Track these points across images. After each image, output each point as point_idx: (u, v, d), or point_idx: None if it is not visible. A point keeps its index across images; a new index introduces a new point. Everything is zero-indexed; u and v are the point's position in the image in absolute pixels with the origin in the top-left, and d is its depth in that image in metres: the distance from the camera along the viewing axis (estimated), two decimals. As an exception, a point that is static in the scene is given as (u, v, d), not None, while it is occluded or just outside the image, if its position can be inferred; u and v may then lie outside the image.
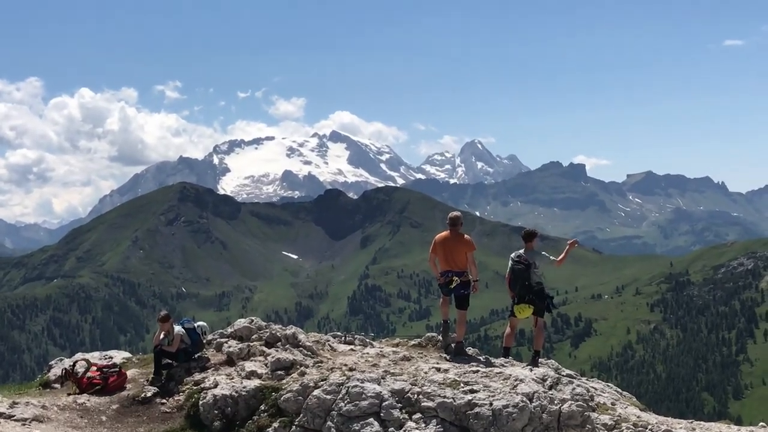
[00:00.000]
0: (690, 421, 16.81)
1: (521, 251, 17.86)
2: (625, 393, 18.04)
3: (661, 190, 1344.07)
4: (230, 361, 17.63)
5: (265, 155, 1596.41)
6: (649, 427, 14.84)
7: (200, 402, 15.75)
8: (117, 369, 17.88)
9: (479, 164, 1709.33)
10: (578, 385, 15.74)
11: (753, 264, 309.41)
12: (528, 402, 14.38)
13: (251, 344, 17.88)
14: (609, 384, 18.36)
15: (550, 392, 15.05)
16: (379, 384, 14.74)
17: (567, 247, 18.95)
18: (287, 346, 17.64)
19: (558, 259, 18.54)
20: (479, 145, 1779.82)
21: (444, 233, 18.05)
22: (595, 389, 16.74)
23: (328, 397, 14.67)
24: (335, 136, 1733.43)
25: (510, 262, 17.83)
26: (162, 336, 18.05)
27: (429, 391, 14.59)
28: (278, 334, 18.22)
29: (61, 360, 19.82)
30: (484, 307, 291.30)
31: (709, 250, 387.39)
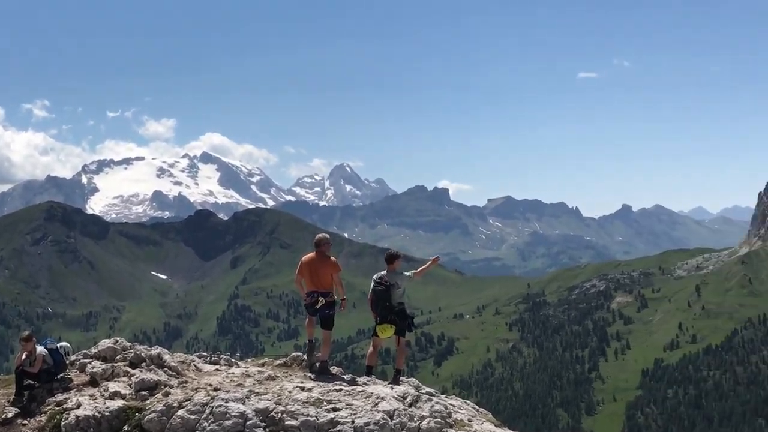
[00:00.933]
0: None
1: (383, 273, 18.04)
2: (481, 410, 18.36)
3: (520, 215, 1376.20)
4: (93, 382, 17.12)
5: (135, 175, 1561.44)
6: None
7: (62, 423, 15.27)
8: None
9: (348, 187, 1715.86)
10: (437, 403, 15.95)
11: (604, 285, 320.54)
12: (389, 419, 14.50)
13: (115, 365, 17.43)
14: (467, 401, 18.65)
15: (410, 409, 15.21)
16: (243, 403, 14.61)
17: (429, 262, 19.33)
18: (152, 366, 17.27)
19: (416, 271, 18.82)
20: (348, 169, 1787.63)
21: (310, 255, 18.13)
22: (453, 406, 16.97)
23: (192, 417, 14.45)
24: (206, 158, 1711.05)
25: (372, 283, 17.98)
26: (24, 356, 17.42)
27: (293, 409, 14.55)
28: (143, 354, 17.83)
29: None
30: (351, 326, 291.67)
31: (564, 272, 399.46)
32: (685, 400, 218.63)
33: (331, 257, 18.18)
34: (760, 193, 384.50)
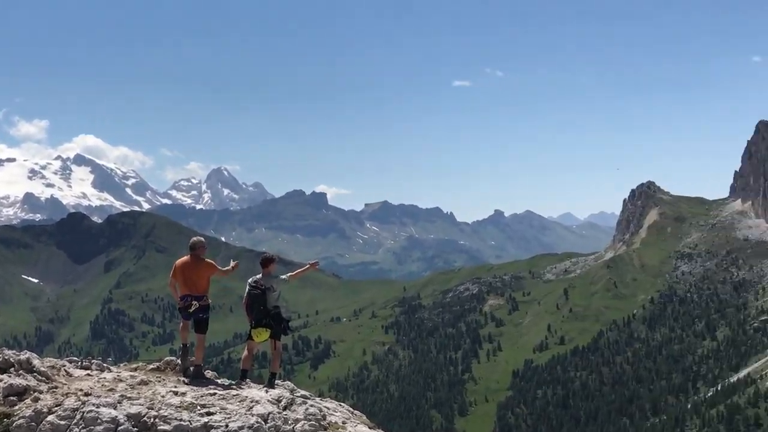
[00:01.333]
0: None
1: (258, 276, 17.98)
2: (356, 412, 18.45)
3: (396, 219, 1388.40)
4: (-42, 389, 16.46)
5: (6, 177, 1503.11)
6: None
7: (-77, 431, 14.64)
8: None
9: (225, 191, 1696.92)
10: (312, 405, 15.96)
11: (477, 289, 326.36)
12: (263, 423, 14.45)
13: (-19, 371, 16.81)
14: (342, 404, 18.71)
15: (285, 413, 15.18)
16: (115, 408, 14.31)
17: (307, 265, 19.40)
18: (21, 371, 16.71)
19: (292, 274, 18.83)
20: (225, 172, 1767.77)
21: (184, 258, 17.94)
22: (328, 409, 17.01)
23: (62, 422, 14.08)
24: (79, 160, 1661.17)
25: (247, 287, 17.89)
26: None
27: (166, 414, 14.34)
28: (11, 359, 17.22)
29: None
30: (228, 330, 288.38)
31: (439, 275, 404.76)
32: (554, 400, 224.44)
33: (208, 260, 18.03)
34: (624, 200, 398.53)
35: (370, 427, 17.39)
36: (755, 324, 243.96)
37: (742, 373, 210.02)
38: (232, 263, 18.76)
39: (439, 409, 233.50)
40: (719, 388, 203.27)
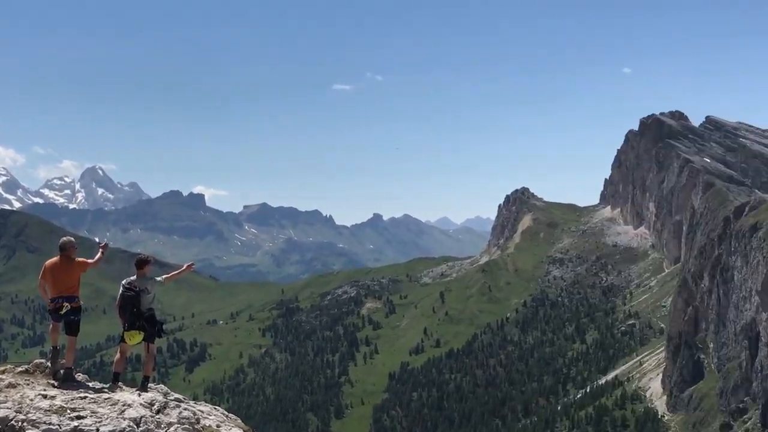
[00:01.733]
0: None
1: (133, 278, 17.68)
2: (231, 415, 18.35)
3: (275, 221, 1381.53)
4: None
5: None
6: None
7: None
8: None
9: (100, 190, 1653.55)
10: (185, 409, 15.82)
11: (356, 292, 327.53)
12: (135, 427, 14.23)
13: None
14: (217, 407, 18.57)
15: (158, 416, 14.99)
16: (-20, 413, 13.87)
17: (183, 267, 19.16)
18: None
19: (167, 276, 18.59)
20: (100, 171, 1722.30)
21: (54, 259, 17.47)
22: (203, 412, 16.87)
23: (-77, 428, 13.57)
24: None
25: (121, 288, 17.57)
26: None
27: (34, 418, 13.97)
28: None
29: None
30: (101, 333, 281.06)
31: (317, 278, 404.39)
32: (429, 402, 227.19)
33: (78, 258, 17.61)
34: (500, 206, 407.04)
35: (244, 430, 17.34)
36: (623, 327, 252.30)
37: (610, 376, 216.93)
38: (99, 251, 18.38)
39: (315, 411, 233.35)
40: (588, 390, 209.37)
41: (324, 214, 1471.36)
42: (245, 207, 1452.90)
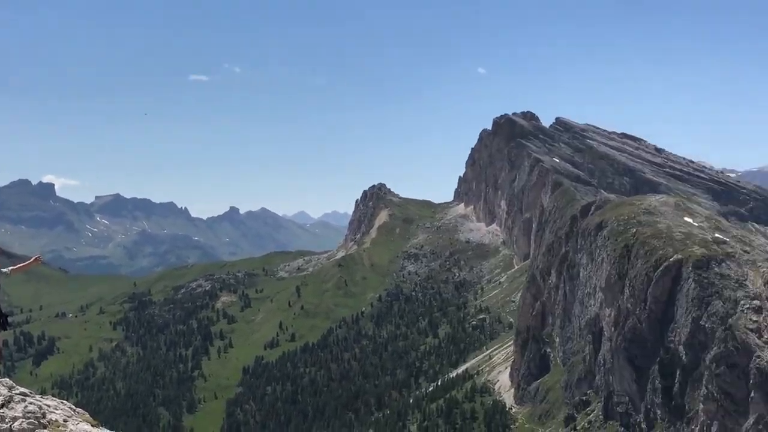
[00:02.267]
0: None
1: (-23, 268, 16.81)
2: (79, 410, 17.68)
3: (128, 213, 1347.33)
4: None
5: None
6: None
7: None
8: None
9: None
10: (31, 403, 15.16)
11: (210, 285, 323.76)
12: (-23, 422, 13.56)
13: None
14: (64, 401, 17.87)
15: (2, 410, 14.33)
16: None
17: (31, 259, 18.33)
18: None
19: (13, 267, 17.76)
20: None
21: None
22: (49, 406, 16.20)
23: None
24: None
25: (-39, 279, 16.68)
26: None
27: None
28: None
29: None
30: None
31: (171, 271, 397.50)
32: (283, 396, 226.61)
33: None
34: (356, 201, 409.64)
35: (92, 425, 16.76)
36: (473, 322, 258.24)
37: (461, 369, 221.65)
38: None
39: (167, 406, 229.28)
40: (439, 383, 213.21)
41: (179, 207, 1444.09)
42: (97, 197, 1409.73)
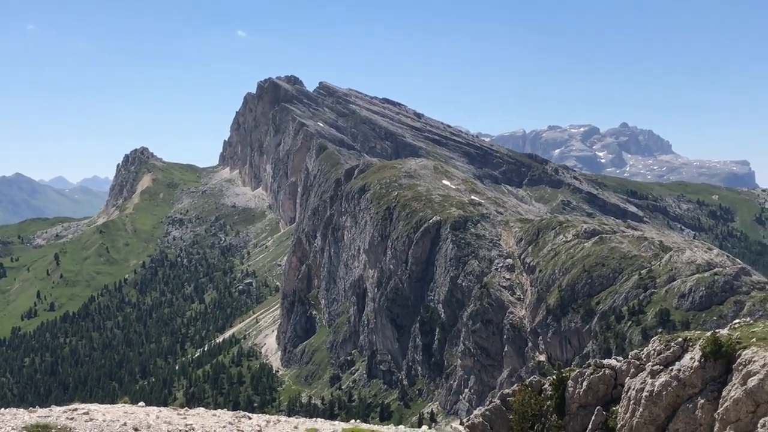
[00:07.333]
0: None
1: None
2: None
3: None
4: None
5: None
6: None
7: None
8: None
9: None
10: None
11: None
12: None
13: None
14: None
15: None
16: None
17: None
18: None
19: None
20: None
21: None
22: None
23: None
24: None
25: None
26: None
27: None
28: None
29: None
30: None
31: None
32: (42, 367, 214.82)
33: None
34: (118, 166, 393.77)
35: None
36: (240, 286, 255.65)
37: (228, 334, 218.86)
38: None
39: None
40: (206, 349, 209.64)
41: None
42: None
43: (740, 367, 19.80)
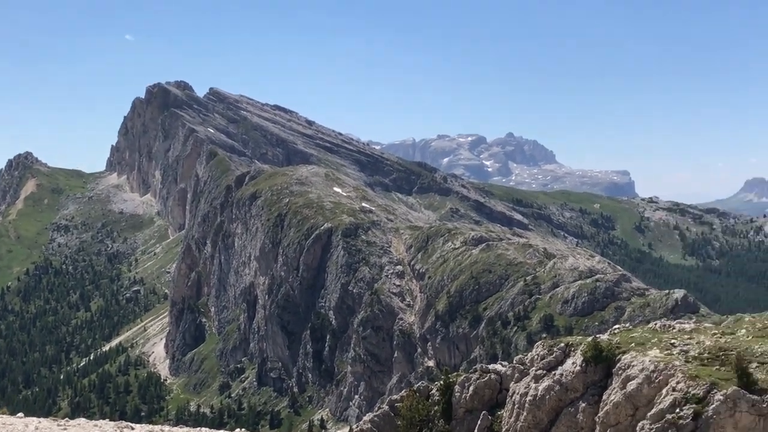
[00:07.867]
0: None
1: None
2: None
3: None
4: None
5: None
6: None
7: None
8: None
9: None
10: None
11: None
12: None
13: None
14: None
15: None
16: None
17: None
18: None
19: None
20: None
21: None
22: None
23: None
24: None
25: None
26: None
27: None
28: None
29: None
30: None
31: None
32: None
33: None
34: (1, 170, 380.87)
35: None
36: (128, 294, 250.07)
37: (114, 343, 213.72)
38: None
39: None
40: (92, 358, 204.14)
41: None
42: None
43: (620, 372, 20.30)
